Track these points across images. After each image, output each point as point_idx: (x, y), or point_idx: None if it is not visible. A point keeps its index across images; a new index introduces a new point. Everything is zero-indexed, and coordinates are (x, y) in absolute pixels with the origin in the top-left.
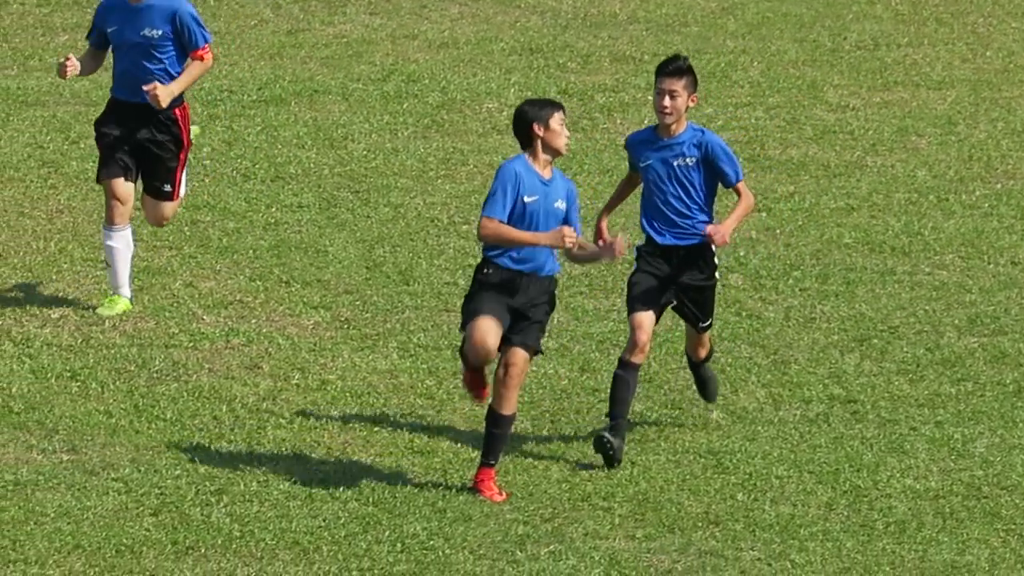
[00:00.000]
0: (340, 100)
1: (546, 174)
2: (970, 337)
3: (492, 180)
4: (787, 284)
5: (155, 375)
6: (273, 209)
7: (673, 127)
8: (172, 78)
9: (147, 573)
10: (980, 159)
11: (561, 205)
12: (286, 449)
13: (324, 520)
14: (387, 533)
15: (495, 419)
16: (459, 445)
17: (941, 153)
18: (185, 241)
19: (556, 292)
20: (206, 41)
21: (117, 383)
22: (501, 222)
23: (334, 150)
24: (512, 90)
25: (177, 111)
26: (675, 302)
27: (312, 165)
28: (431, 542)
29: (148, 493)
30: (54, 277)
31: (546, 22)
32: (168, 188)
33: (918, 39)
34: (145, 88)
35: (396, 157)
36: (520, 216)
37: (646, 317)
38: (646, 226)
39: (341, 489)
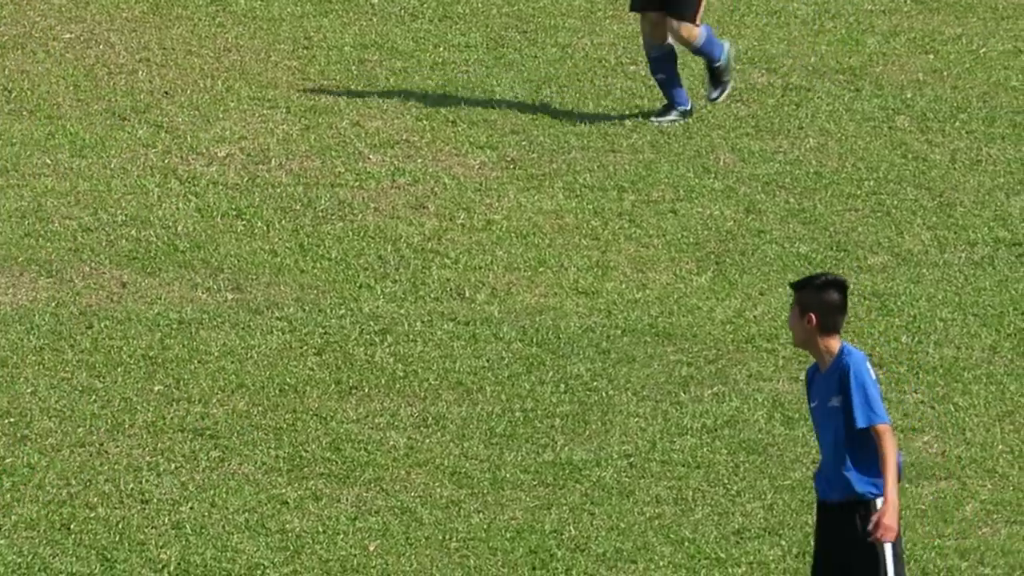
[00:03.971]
0: None
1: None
2: None
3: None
4: (953, 126)
5: (320, 214)
6: (440, 48)
7: None
8: None
9: (310, 412)
10: None
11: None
12: (450, 289)
13: (487, 360)
14: (550, 374)
15: None
16: (623, 286)
17: None
18: (352, 80)
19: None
20: None
21: (282, 222)
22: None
23: None
24: None
25: None
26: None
27: (480, 4)
28: (594, 383)
29: (312, 332)
30: (221, 115)
31: None
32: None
33: None
34: None
35: None
36: None
37: None
38: None
39: (505, 329)
